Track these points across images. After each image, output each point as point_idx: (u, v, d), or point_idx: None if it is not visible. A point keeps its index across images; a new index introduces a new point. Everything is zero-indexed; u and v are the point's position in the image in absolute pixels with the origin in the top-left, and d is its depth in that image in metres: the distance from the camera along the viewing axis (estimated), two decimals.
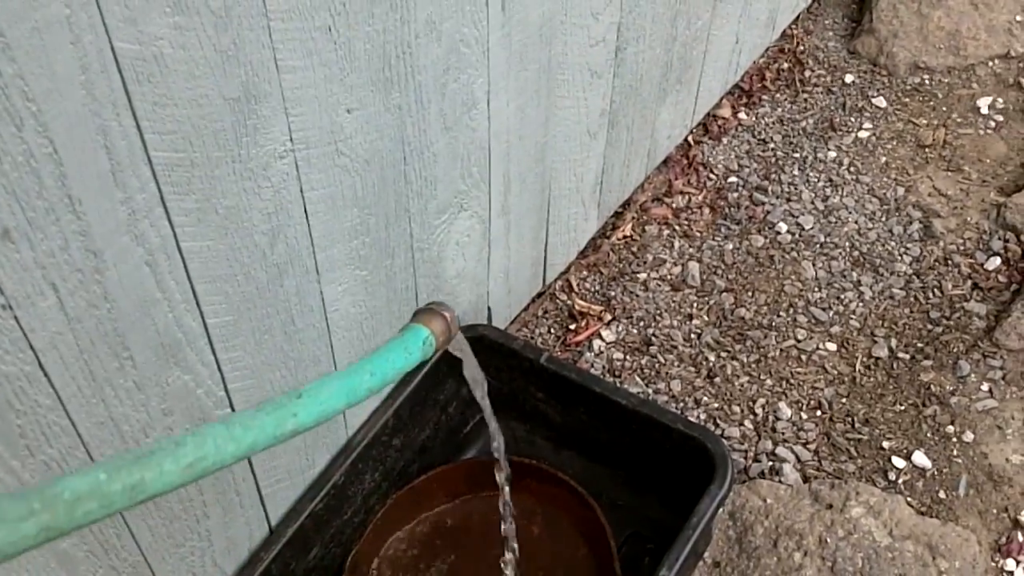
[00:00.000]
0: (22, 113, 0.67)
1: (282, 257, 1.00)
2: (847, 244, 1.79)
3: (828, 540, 1.33)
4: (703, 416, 1.55)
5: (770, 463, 1.48)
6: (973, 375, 1.57)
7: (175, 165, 0.82)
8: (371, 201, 1.10)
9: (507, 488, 1.21)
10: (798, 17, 2.25)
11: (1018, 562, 1.36)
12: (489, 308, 1.53)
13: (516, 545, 1.23)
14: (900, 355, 1.62)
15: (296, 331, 1.08)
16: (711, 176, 1.93)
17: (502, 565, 1.22)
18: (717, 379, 1.60)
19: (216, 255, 0.91)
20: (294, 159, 0.95)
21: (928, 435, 1.50)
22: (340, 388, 0.73)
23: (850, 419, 1.53)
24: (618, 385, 1.55)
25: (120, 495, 0.53)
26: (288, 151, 0.94)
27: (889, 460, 1.48)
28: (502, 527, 1.22)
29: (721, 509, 1.36)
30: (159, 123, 0.78)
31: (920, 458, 1.47)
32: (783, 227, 1.82)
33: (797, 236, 1.81)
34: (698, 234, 1.83)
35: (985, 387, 1.55)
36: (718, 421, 1.54)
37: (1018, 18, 2.15)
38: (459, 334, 0.91)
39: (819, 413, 1.55)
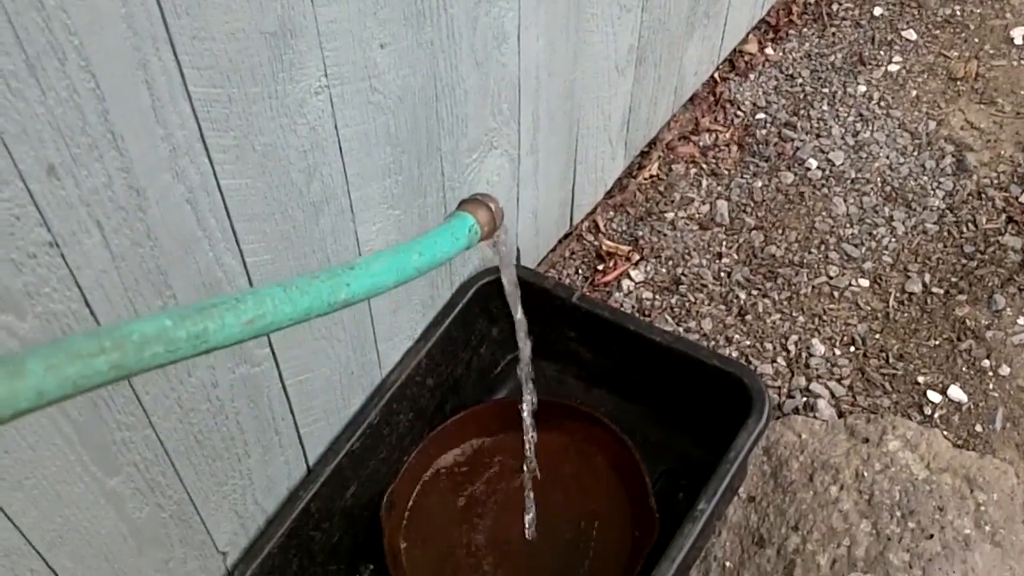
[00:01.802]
0: (65, 47, 0.66)
1: (318, 196, 0.99)
2: (878, 179, 1.77)
3: (865, 474, 1.33)
4: (735, 354, 1.55)
5: (804, 399, 1.48)
6: (1009, 309, 1.56)
7: (213, 101, 0.81)
8: (404, 139, 1.09)
9: (532, 399, 1.20)
10: None
11: None
12: (518, 249, 1.53)
13: (534, 457, 1.24)
14: (934, 290, 1.61)
15: None
16: (738, 113, 1.91)
17: (523, 474, 1.22)
18: (748, 317, 1.59)
19: (254, 193, 0.90)
20: (329, 96, 0.94)
21: (963, 369, 1.50)
22: (390, 264, 0.73)
23: (884, 354, 1.53)
24: (651, 324, 1.54)
25: (185, 342, 0.55)
26: (323, 87, 0.93)
27: (924, 395, 1.47)
28: (524, 441, 1.22)
29: (757, 445, 1.36)
30: (197, 57, 0.78)
31: (956, 392, 1.47)
32: (813, 163, 1.80)
33: (827, 172, 1.79)
34: (726, 172, 1.81)
35: (1021, 321, 1.54)
36: (750, 358, 1.54)
37: None
38: (504, 226, 0.90)
39: (853, 349, 1.54)
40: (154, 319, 0.54)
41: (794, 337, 1.56)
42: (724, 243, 1.70)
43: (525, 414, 1.22)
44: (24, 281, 0.72)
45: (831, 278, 1.63)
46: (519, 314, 1.12)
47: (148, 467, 0.94)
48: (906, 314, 1.58)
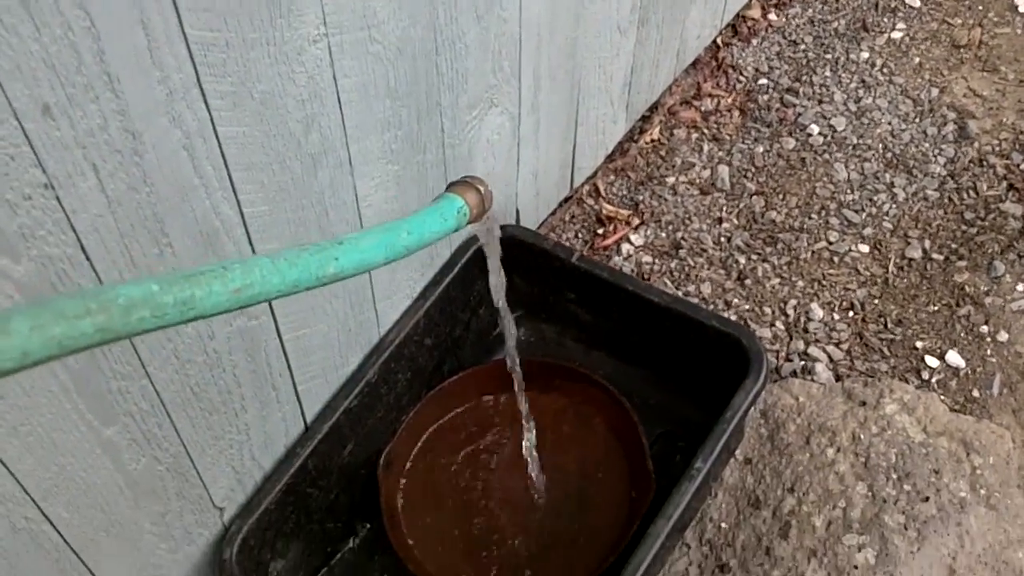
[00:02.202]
0: None
1: (316, 147, 0.99)
2: (880, 146, 1.76)
3: (861, 436, 1.33)
4: (734, 317, 1.54)
5: (802, 363, 1.48)
6: (1008, 275, 1.55)
7: (210, 45, 0.80)
8: (403, 92, 1.08)
9: (521, 380, 1.20)
10: None
11: None
12: (518, 210, 1.52)
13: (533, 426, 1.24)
14: (934, 256, 1.60)
15: (330, 224, 1.07)
16: (741, 78, 1.90)
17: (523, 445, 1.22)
18: (748, 281, 1.59)
19: (252, 142, 0.90)
20: (327, 44, 0.93)
21: (962, 335, 1.50)
22: (379, 241, 0.73)
23: (883, 320, 1.53)
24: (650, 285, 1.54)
25: (171, 308, 0.55)
26: (322, 35, 0.92)
27: (922, 359, 1.47)
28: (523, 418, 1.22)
29: (754, 406, 1.36)
30: None
31: (954, 357, 1.47)
32: (815, 129, 1.80)
33: (829, 138, 1.78)
34: (727, 137, 1.80)
35: (1020, 287, 1.54)
36: (749, 322, 1.54)
37: None
38: (492, 211, 0.91)
39: (851, 314, 1.54)
40: (141, 283, 0.54)
41: (793, 302, 1.55)
42: (724, 208, 1.69)
43: (518, 391, 1.22)
44: (19, 223, 0.72)
45: (831, 243, 1.63)
46: (502, 302, 1.12)
47: (144, 418, 0.94)
48: (905, 280, 1.58)
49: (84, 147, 0.73)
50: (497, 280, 1.08)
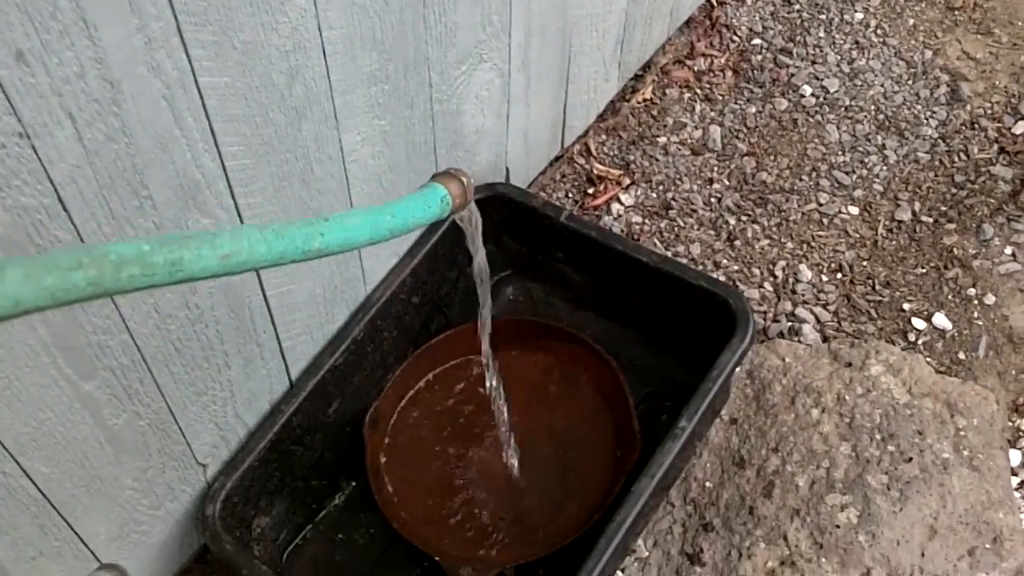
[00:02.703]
0: None
1: (300, 100, 0.97)
2: (872, 107, 1.75)
3: (846, 397, 1.33)
4: (723, 278, 1.54)
5: (789, 324, 1.47)
6: (997, 239, 1.55)
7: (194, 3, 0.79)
8: (390, 45, 1.07)
9: (489, 352, 1.21)
10: None
11: None
12: (507, 168, 1.51)
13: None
14: (923, 218, 1.59)
15: (315, 179, 1.06)
16: (734, 38, 1.88)
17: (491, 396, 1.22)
18: (737, 242, 1.58)
19: (234, 93, 0.88)
20: None
21: (949, 297, 1.49)
22: (364, 221, 0.74)
23: (871, 281, 1.52)
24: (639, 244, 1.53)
25: (161, 268, 0.57)
26: None
27: (909, 321, 1.47)
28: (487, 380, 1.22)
29: (740, 367, 1.36)
30: None
31: (941, 320, 1.46)
32: (807, 90, 1.78)
33: (821, 99, 1.77)
34: (720, 97, 1.79)
35: (1008, 251, 1.53)
36: (738, 283, 1.53)
37: None
38: (473, 204, 0.94)
39: (840, 275, 1.53)
40: (132, 242, 0.56)
41: (782, 263, 1.55)
42: (716, 169, 1.68)
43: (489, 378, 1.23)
44: None
45: (821, 205, 1.62)
46: (486, 310, 1.16)
47: (125, 373, 0.93)
48: (894, 242, 1.57)
49: (60, 95, 0.72)
50: (480, 265, 1.10)
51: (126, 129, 0.79)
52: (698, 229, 1.61)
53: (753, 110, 1.76)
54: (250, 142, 0.93)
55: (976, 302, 1.48)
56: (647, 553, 1.26)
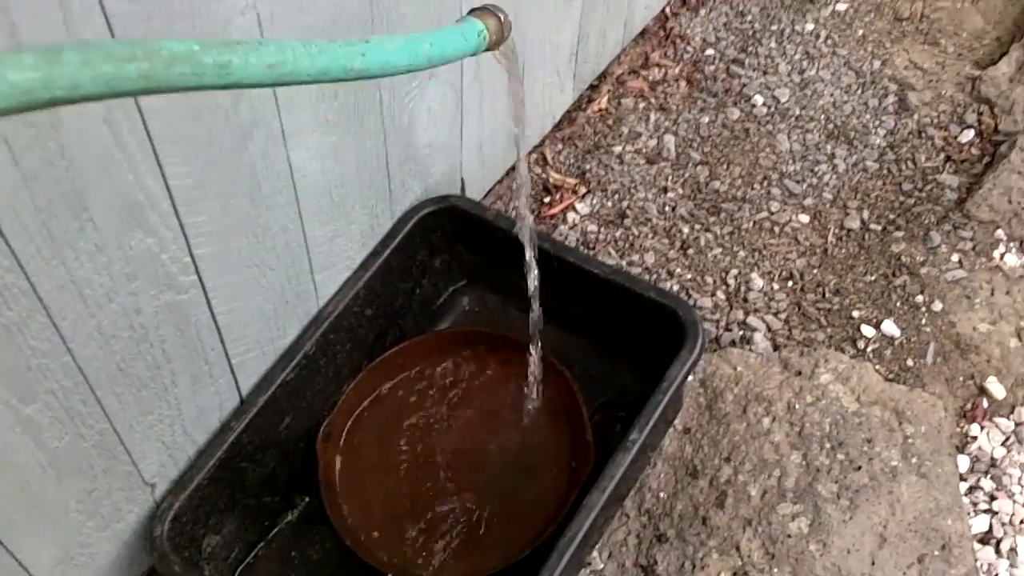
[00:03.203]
0: None
1: (246, 119, 0.97)
2: (822, 117, 1.77)
3: (796, 406, 1.34)
4: (676, 287, 1.55)
5: (741, 332, 1.49)
6: (943, 246, 1.57)
7: (130, 18, 0.78)
8: None
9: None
10: None
11: (982, 427, 1.39)
12: (463, 180, 1.51)
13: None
14: (872, 226, 1.62)
15: (263, 196, 1.06)
16: (688, 48, 1.90)
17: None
18: (691, 251, 1.60)
19: (178, 114, 0.88)
20: (257, 15, 0.91)
21: (897, 305, 1.52)
22: (402, 46, 0.74)
23: (821, 289, 1.54)
24: (592, 256, 1.54)
25: (210, 69, 0.57)
26: (250, 6, 0.90)
27: (858, 329, 1.49)
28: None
29: (692, 376, 1.37)
30: None
31: (889, 327, 1.48)
32: (759, 100, 1.80)
33: (773, 109, 1.79)
34: (674, 107, 1.80)
35: (955, 258, 1.56)
36: (691, 292, 1.55)
37: None
38: (512, 38, 0.93)
39: (790, 283, 1.55)
40: (183, 41, 0.56)
41: (734, 271, 1.56)
42: (670, 178, 1.70)
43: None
44: None
45: (772, 213, 1.64)
46: (523, 176, 1.16)
47: (67, 395, 0.92)
48: (844, 250, 1.59)
49: None
50: (517, 99, 1.08)
51: (64, 153, 0.79)
52: (653, 238, 1.62)
53: (706, 120, 1.77)
54: (195, 162, 0.93)
55: (924, 309, 1.51)
56: (602, 565, 1.26)
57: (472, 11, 0.89)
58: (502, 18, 0.90)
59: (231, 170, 0.99)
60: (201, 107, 0.90)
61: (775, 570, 1.22)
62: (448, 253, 1.46)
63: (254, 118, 0.98)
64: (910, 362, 1.45)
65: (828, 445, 1.31)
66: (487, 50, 0.90)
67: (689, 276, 1.57)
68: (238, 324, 1.13)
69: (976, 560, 1.26)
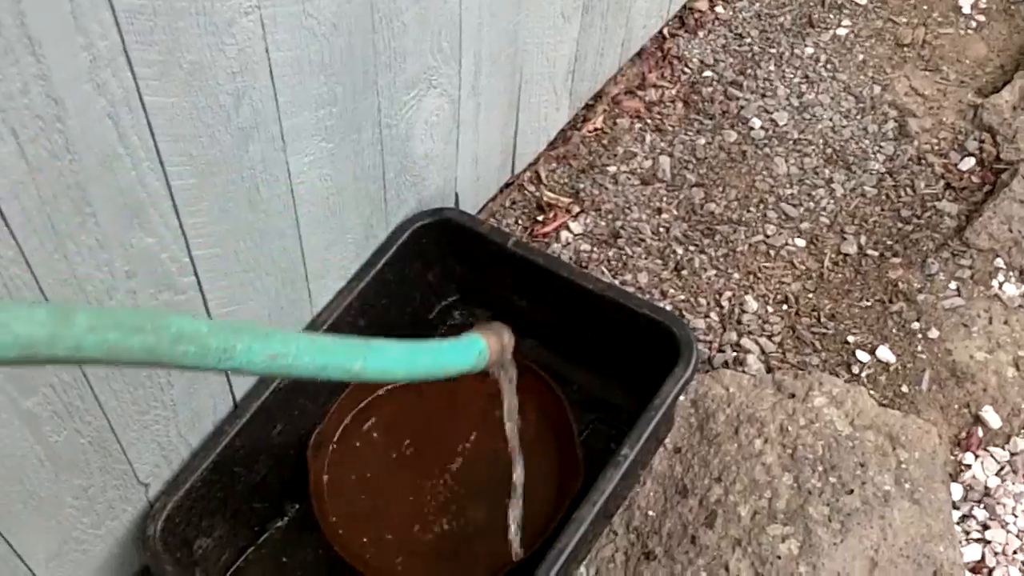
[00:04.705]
0: None
1: (247, 121, 0.97)
2: (820, 141, 1.78)
3: (789, 428, 1.34)
4: (669, 307, 1.55)
5: (734, 354, 1.49)
6: (941, 273, 1.58)
7: (137, 12, 0.78)
8: (338, 69, 1.07)
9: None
10: None
11: (977, 456, 1.39)
12: (457, 194, 1.51)
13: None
14: (869, 252, 1.62)
15: (261, 201, 1.05)
16: (686, 70, 1.91)
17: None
18: (684, 272, 1.60)
19: (180, 113, 0.88)
20: (260, 17, 0.92)
21: (893, 331, 1.52)
22: (403, 357, 0.79)
23: (816, 314, 1.54)
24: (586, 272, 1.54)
25: (213, 351, 0.58)
26: (254, 7, 0.90)
27: (853, 354, 1.49)
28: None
29: (684, 395, 1.37)
30: None
31: (884, 353, 1.49)
32: (757, 123, 1.81)
33: (771, 132, 1.80)
34: (670, 128, 1.81)
35: (953, 285, 1.56)
36: (684, 312, 1.55)
37: None
38: (510, 359, 0.95)
39: (785, 307, 1.55)
40: (192, 320, 0.58)
41: (728, 293, 1.57)
42: (664, 199, 1.70)
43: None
44: None
45: (768, 237, 1.64)
46: (519, 470, 1.18)
47: (66, 390, 0.92)
48: (840, 275, 1.60)
49: (3, 111, 0.72)
50: (511, 421, 1.13)
51: (70, 147, 0.79)
52: (646, 258, 1.62)
53: (703, 141, 1.78)
54: (196, 162, 0.93)
55: (920, 336, 1.51)
56: None
57: (477, 325, 0.91)
58: (505, 340, 0.91)
59: (231, 172, 0.99)
60: (203, 107, 0.90)
61: None
62: (441, 266, 1.46)
63: (255, 120, 0.98)
64: (905, 388, 1.45)
65: (820, 468, 1.31)
66: (484, 368, 0.91)
67: (682, 297, 1.57)
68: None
69: None
